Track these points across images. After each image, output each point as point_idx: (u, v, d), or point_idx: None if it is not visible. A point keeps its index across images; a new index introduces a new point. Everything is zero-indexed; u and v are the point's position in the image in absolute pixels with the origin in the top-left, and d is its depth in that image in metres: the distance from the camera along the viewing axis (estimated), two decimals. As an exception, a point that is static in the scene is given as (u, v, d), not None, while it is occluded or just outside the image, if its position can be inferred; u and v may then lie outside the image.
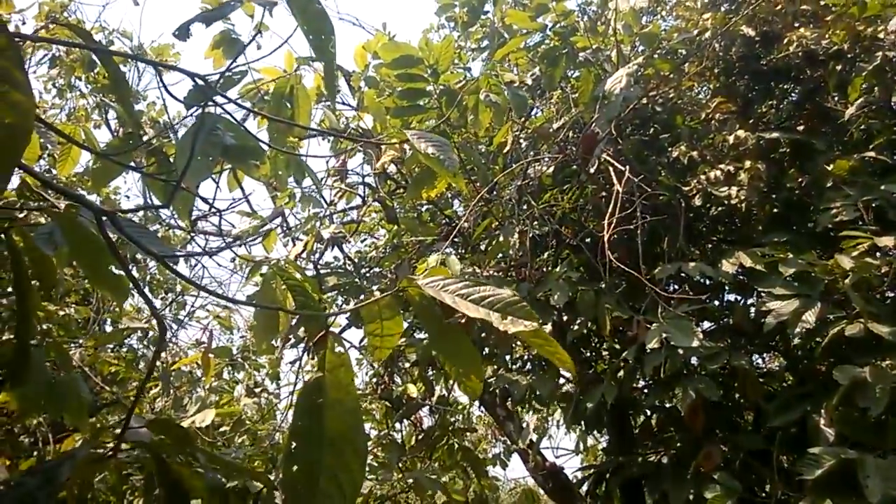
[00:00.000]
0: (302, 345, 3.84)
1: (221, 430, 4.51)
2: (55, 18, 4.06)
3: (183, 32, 1.19)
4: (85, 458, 1.52)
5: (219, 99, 1.68)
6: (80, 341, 4.82)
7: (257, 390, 4.67)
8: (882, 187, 3.34)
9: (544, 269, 4.09)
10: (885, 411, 2.78)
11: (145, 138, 1.99)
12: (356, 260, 4.52)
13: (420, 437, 4.37)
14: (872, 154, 3.55)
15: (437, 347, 1.94)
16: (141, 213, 4.88)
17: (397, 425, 4.45)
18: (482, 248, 4.30)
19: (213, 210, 3.73)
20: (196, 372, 4.60)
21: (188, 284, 5.45)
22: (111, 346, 5.13)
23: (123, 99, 1.75)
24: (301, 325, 3.12)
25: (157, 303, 5.40)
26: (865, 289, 3.11)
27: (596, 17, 4.24)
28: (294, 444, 1.50)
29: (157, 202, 2.53)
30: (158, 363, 4.87)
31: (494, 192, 4.15)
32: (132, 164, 2.04)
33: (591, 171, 3.51)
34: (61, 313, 4.71)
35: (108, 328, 5.76)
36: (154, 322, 5.30)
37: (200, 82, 1.57)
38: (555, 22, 3.97)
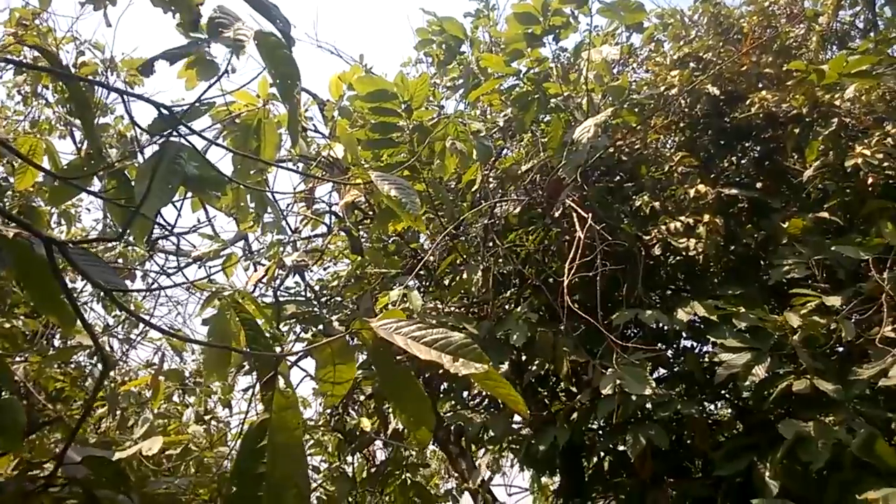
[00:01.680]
0: (256, 372, 3.76)
1: (167, 453, 4.37)
2: (25, 26, 4.01)
3: (147, 69, 1.20)
4: (14, 492, 1.46)
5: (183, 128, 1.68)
6: (26, 356, 4.66)
7: (207, 417, 4.55)
8: (832, 248, 3.45)
9: (506, 308, 4.11)
10: (827, 467, 2.85)
11: (108, 160, 1.97)
12: (317, 288, 4.49)
13: (372, 471, 4.31)
14: (826, 214, 3.67)
15: (387, 392, 1.93)
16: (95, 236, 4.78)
17: (349, 458, 4.38)
18: (446, 283, 4.31)
19: (172, 233, 3.68)
20: (145, 393, 4.47)
21: (142, 302, 5.34)
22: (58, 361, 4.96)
23: (86, 123, 1.73)
24: (253, 360, 3.07)
25: (111, 320, 5.27)
26: (813, 346, 3.20)
27: (569, 66, 4.35)
28: (235, 487, 1.47)
29: (115, 222, 2.49)
30: (106, 382, 4.73)
31: (461, 229, 4.18)
32: (92, 186, 2.00)
33: (556, 215, 3.56)
34: (7, 325, 4.55)
35: (58, 342, 5.59)
36: (105, 339, 5.16)
37: (165, 112, 1.57)
38: (528, 67, 4.06)
